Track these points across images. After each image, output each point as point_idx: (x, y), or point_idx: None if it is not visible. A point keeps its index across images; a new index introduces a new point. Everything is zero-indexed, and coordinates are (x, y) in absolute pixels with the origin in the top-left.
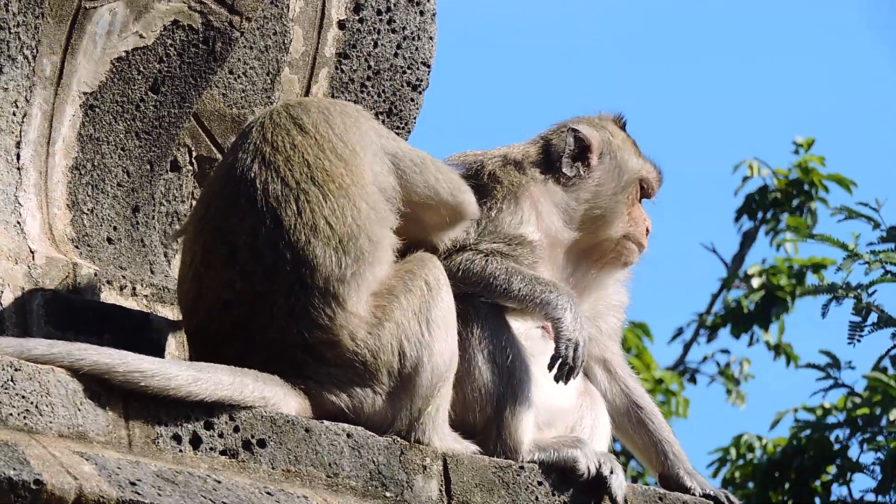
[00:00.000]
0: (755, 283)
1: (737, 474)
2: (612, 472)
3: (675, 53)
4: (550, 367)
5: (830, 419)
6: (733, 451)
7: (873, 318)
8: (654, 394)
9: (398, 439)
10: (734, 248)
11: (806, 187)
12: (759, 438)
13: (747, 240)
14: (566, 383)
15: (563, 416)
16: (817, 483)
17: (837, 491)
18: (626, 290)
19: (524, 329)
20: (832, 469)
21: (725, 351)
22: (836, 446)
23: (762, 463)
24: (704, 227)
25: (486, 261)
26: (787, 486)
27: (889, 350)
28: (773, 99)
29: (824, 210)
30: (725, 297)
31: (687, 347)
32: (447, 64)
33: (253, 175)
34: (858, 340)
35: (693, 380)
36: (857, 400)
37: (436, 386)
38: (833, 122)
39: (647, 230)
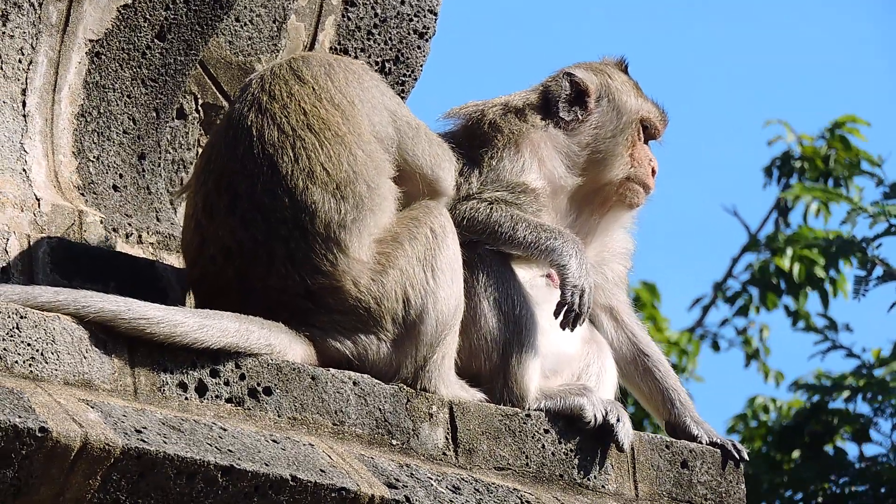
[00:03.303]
0: (788, 252)
1: (755, 435)
2: (618, 420)
3: (705, 10)
4: (556, 314)
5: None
6: (749, 413)
7: (878, 271)
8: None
9: (404, 387)
10: (758, 212)
11: (833, 153)
12: (774, 401)
13: (778, 206)
14: (572, 330)
15: (570, 364)
16: (828, 449)
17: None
18: (631, 238)
19: (529, 277)
20: (847, 430)
21: (744, 314)
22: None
23: (775, 425)
24: (728, 190)
25: (491, 209)
26: (800, 449)
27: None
28: (806, 67)
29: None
30: (756, 262)
31: (705, 310)
32: (454, 11)
33: (250, 123)
34: (864, 294)
35: (716, 346)
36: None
37: (441, 333)
38: (867, 98)
39: (654, 171)
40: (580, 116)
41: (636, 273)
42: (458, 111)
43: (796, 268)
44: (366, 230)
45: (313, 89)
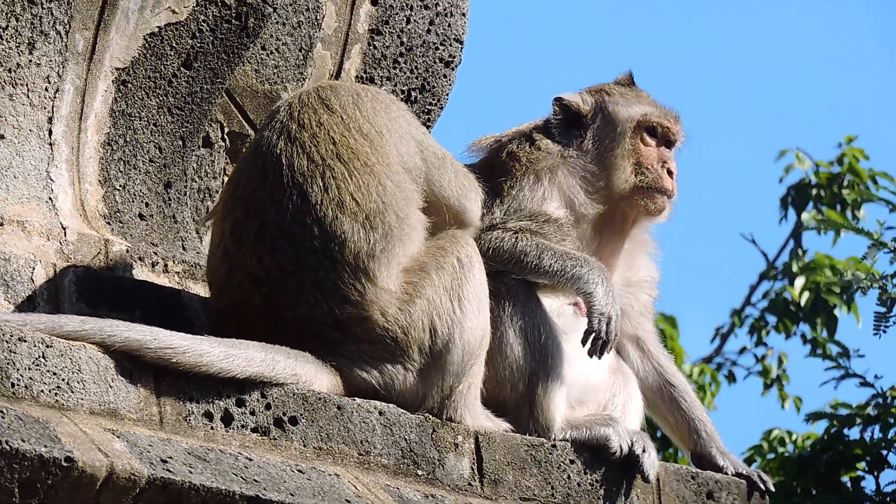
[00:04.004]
0: (798, 282)
1: (770, 467)
2: (644, 451)
3: (721, 39)
4: (584, 342)
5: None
6: (765, 446)
7: None
8: None
9: (430, 417)
10: (775, 239)
11: (848, 178)
12: (790, 433)
13: (794, 234)
14: (599, 357)
15: (596, 394)
16: (846, 480)
17: (867, 486)
18: (655, 266)
19: (556, 306)
20: (862, 465)
21: (764, 343)
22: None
23: (792, 456)
24: (745, 217)
25: (516, 238)
26: (815, 479)
27: None
28: (822, 92)
29: (866, 210)
30: (773, 290)
31: (724, 339)
32: (480, 40)
33: (279, 151)
34: (884, 331)
35: (731, 377)
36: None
37: (467, 363)
38: (879, 118)
39: (670, 172)
40: (581, 137)
41: (660, 306)
42: (478, 143)
43: (805, 296)
44: (394, 260)
45: (342, 119)
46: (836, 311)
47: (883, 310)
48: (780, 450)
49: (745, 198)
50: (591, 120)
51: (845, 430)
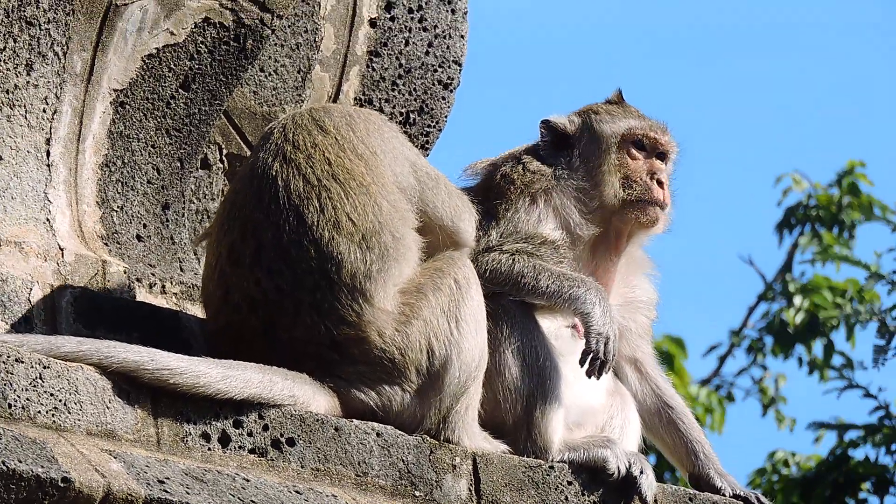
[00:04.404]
0: (796, 301)
1: (775, 489)
2: (641, 473)
3: (720, 61)
4: (582, 363)
5: (853, 432)
6: (768, 468)
7: None
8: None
9: (427, 438)
10: (773, 261)
11: (846, 200)
12: (793, 454)
13: (791, 256)
14: (598, 378)
15: (594, 416)
16: (850, 502)
17: None
18: (653, 287)
19: (553, 328)
20: (867, 486)
21: (762, 366)
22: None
23: (797, 478)
24: (744, 239)
25: (513, 260)
26: (821, 501)
27: None
28: (820, 114)
29: (864, 231)
30: (770, 312)
31: (722, 360)
32: (479, 62)
33: (274, 173)
34: (883, 364)
35: (730, 397)
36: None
37: (465, 384)
38: (880, 144)
39: (660, 183)
40: (570, 157)
41: (660, 326)
42: (473, 167)
43: (800, 316)
44: (390, 280)
45: (336, 139)
46: (833, 335)
47: (882, 342)
48: (784, 471)
49: (744, 220)
50: (578, 139)
51: (850, 452)
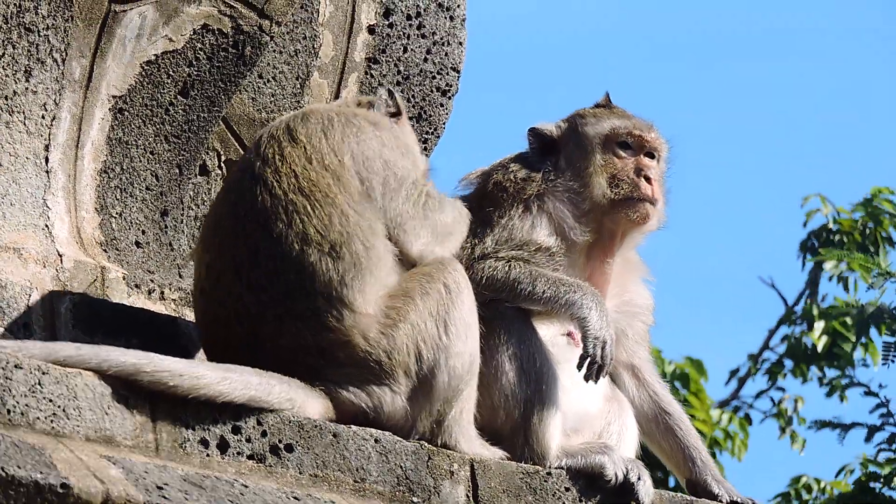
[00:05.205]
0: (818, 326)
1: None
2: (639, 479)
3: (745, 82)
4: (580, 367)
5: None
6: (792, 493)
7: None
8: (710, 433)
9: (425, 444)
10: (796, 283)
11: (871, 226)
12: (818, 481)
13: (812, 279)
14: (596, 382)
15: (591, 422)
16: None
17: None
18: (649, 293)
19: (550, 336)
20: None
21: (780, 388)
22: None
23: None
24: (766, 261)
25: (509, 266)
26: None
27: None
28: (845, 137)
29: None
30: (791, 335)
31: (741, 382)
32: (477, 68)
33: (244, 188)
34: (892, 360)
35: (748, 419)
36: None
37: (456, 389)
38: None
39: (648, 179)
40: (558, 161)
41: (680, 348)
42: (467, 178)
43: (822, 340)
44: (368, 286)
45: (304, 150)
46: (852, 352)
47: (892, 340)
48: (806, 497)
49: (767, 241)
50: (565, 144)
51: (873, 485)
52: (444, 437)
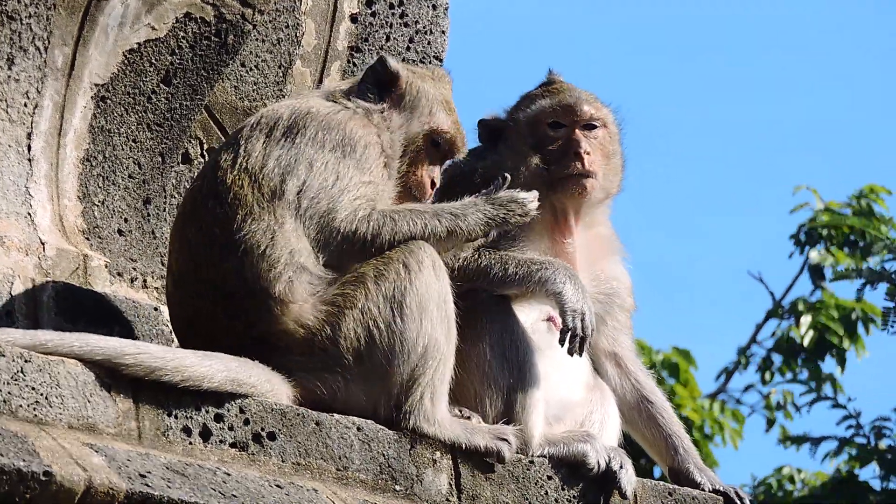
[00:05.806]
0: (804, 320)
1: None
2: (621, 467)
3: (735, 75)
4: (562, 342)
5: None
6: (774, 483)
7: None
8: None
9: (408, 433)
10: (784, 277)
11: (859, 219)
12: (799, 471)
13: (810, 270)
14: (580, 355)
15: (573, 411)
16: None
17: None
18: (626, 270)
19: (531, 322)
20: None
21: (768, 382)
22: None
23: (803, 496)
24: (756, 254)
25: (478, 254)
26: None
27: None
28: (835, 131)
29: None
30: (780, 330)
31: (729, 376)
32: (460, 57)
33: (188, 195)
34: (892, 325)
35: (736, 415)
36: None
37: (413, 372)
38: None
39: (578, 154)
40: (504, 148)
41: (669, 339)
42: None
43: (809, 335)
44: (297, 280)
45: (234, 156)
46: (842, 346)
47: (892, 304)
48: (790, 487)
49: (756, 236)
50: (509, 130)
51: (856, 471)
52: (407, 420)
